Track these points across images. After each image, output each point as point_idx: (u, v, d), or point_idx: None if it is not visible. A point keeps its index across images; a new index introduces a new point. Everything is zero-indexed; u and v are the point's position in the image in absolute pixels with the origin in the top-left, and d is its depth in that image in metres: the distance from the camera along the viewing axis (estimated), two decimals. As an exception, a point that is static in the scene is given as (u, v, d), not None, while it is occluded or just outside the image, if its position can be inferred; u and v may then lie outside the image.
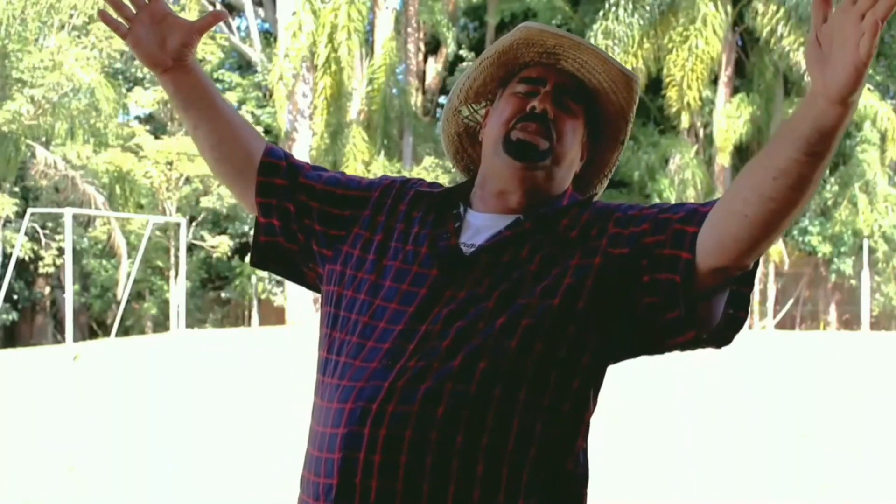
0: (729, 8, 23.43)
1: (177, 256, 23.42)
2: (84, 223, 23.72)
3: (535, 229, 1.71)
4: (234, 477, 7.29)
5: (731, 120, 23.48)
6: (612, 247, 1.65)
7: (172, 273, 24.15)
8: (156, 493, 6.85)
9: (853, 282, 24.21)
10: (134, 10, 1.82)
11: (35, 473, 7.35)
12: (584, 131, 1.80)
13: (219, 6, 24.87)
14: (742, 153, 25.16)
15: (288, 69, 23.27)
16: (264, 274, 25.84)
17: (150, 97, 23.86)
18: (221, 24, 23.04)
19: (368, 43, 25.96)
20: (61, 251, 22.47)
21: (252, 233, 1.94)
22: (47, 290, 27.09)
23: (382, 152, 24.41)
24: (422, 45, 27.41)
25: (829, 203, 23.70)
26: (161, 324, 25.69)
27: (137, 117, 27.98)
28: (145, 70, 25.60)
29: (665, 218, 1.65)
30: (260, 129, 23.47)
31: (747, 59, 25.44)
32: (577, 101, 1.78)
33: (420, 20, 26.36)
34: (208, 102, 1.87)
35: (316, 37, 23.15)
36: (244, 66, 28.89)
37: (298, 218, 1.85)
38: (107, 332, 23.54)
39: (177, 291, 22.87)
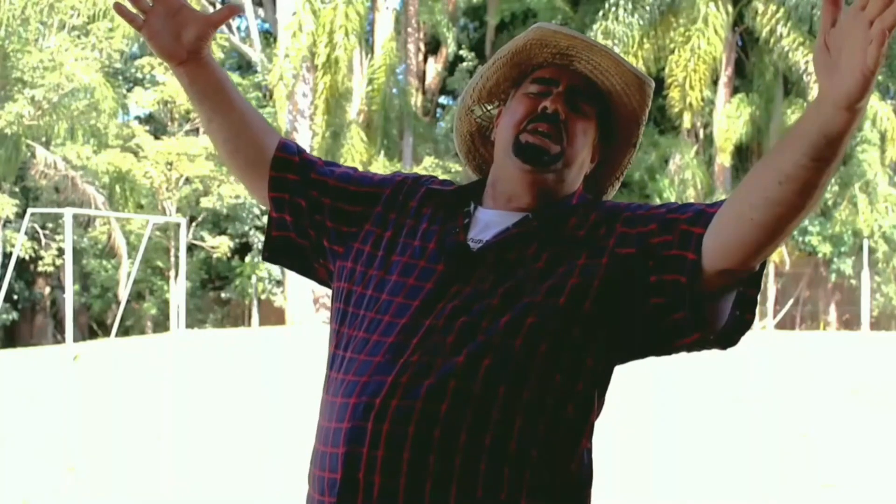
0: (730, 8, 23.43)
1: (177, 256, 23.41)
2: (84, 223, 23.71)
3: (543, 228, 1.71)
4: (235, 476, 7.29)
5: (731, 120, 23.48)
6: (619, 247, 1.65)
7: (172, 273, 24.14)
8: (156, 493, 6.85)
9: (853, 282, 24.20)
10: (150, 3, 1.82)
11: (35, 473, 7.34)
12: (595, 133, 1.80)
13: (219, 6, 24.87)
14: (742, 153, 25.16)
15: (288, 69, 23.27)
16: (264, 274, 25.84)
17: (150, 97, 23.85)
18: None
19: (368, 43, 25.96)
20: (61, 251, 22.48)
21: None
22: (47, 290, 27.08)
23: (382, 152, 24.41)
24: (422, 45, 27.40)
25: (829, 203, 23.69)
26: (161, 324, 25.68)
27: (137, 117, 27.97)
28: (145, 70, 25.67)
29: (673, 218, 1.64)
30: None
31: (747, 59, 25.43)
32: (589, 103, 1.78)
33: (420, 20, 26.35)
34: (222, 95, 1.87)
35: (316, 37, 23.15)
36: (244, 66, 28.88)
37: (310, 214, 1.85)
38: (107, 332, 23.53)
39: (177, 291, 22.84)
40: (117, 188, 23.40)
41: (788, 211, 1.47)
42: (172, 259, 24.16)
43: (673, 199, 22.31)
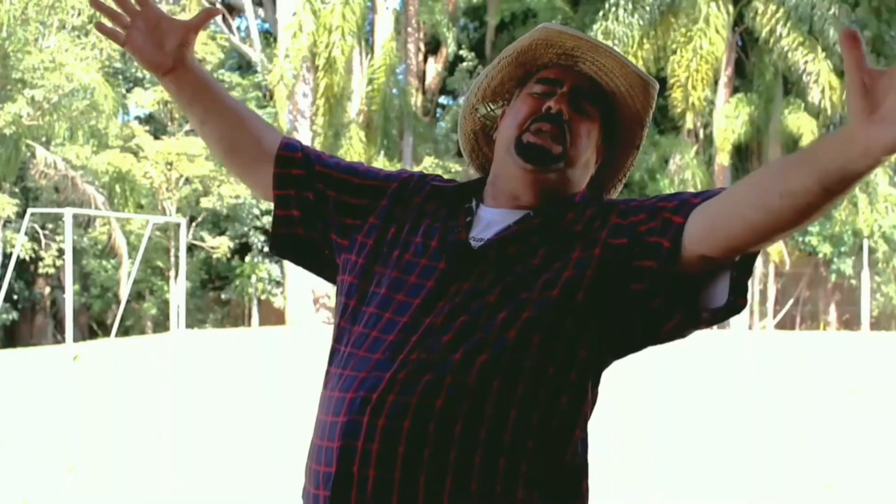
0: (730, 8, 23.43)
1: (177, 257, 23.41)
2: (84, 223, 23.71)
3: (544, 225, 1.72)
4: (234, 476, 7.29)
5: (730, 120, 23.49)
6: (611, 237, 1.66)
7: (172, 273, 24.14)
8: (156, 493, 6.85)
9: (853, 282, 24.20)
10: (129, 19, 1.85)
11: (35, 473, 7.35)
12: (599, 134, 1.80)
13: (219, 6, 24.87)
14: (742, 153, 25.16)
15: (288, 69, 23.27)
16: (264, 274, 25.85)
17: (150, 97, 23.85)
18: (221, 24, 22.81)
19: (368, 43, 25.96)
20: (61, 251, 22.48)
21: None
22: (47, 290, 27.08)
23: (382, 152, 24.41)
24: (422, 45, 27.39)
25: (830, 203, 23.69)
26: (161, 324, 25.68)
27: (137, 117, 27.98)
28: (145, 70, 25.68)
29: (661, 206, 1.66)
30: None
31: (747, 59, 25.44)
32: (593, 104, 1.79)
33: (420, 20, 26.35)
34: (212, 97, 1.89)
35: (316, 37, 23.14)
36: (244, 66, 28.88)
37: (316, 206, 1.86)
38: (107, 332, 23.53)
39: (177, 292, 22.85)
40: (117, 188, 23.40)
41: (781, 223, 1.48)
42: (172, 259, 24.16)
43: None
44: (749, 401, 10.87)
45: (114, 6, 1.85)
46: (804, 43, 22.45)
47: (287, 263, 15.22)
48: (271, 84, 24.27)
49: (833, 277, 24.68)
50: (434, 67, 28.63)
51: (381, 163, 23.58)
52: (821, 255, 24.24)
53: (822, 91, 22.42)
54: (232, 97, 1.95)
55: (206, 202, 23.89)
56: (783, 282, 25.87)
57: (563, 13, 25.53)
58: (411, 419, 1.57)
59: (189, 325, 22.78)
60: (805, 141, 22.72)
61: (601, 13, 23.07)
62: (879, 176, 23.01)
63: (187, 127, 24.26)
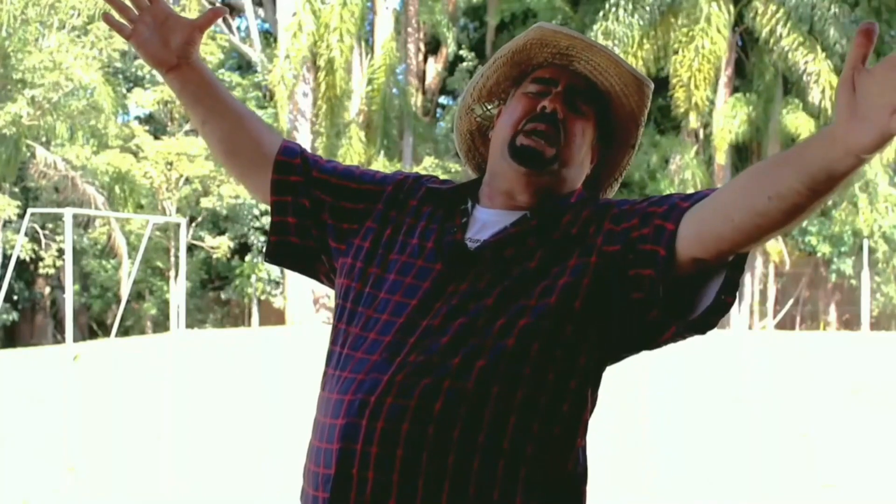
0: (731, 8, 23.44)
1: (177, 257, 23.41)
2: (84, 223, 23.71)
3: (541, 226, 1.71)
4: (234, 476, 7.29)
5: (727, 119, 23.49)
6: (606, 244, 1.66)
7: (172, 273, 24.14)
8: (156, 493, 6.85)
9: (853, 282, 24.20)
10: (136, 12, 1.85)
11: (35, 473, 7.34)
12: (594, 134, 1.80)
13: (219, 5, 24.82)
14: (742, 153, 25.15)
15: (288, 70, 23.27)
16: (264, 274, 25.85)
17: (150, 97, 23.85)
18: (221, 24, 22.76)
19: (368, 43, 25.96)
20: (61, 251, 22.47)
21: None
22: (47, 290, 27.08)
23: (382, 152, 24.41)
24: (422, 45, 27.39)
25: (829, 203, 23.68)
26: (161, 324, 25.69)
27: (137, 117, 27.98)
28: (145, 70, 25.65)
29: (651, 212, 1.65)
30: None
31: (747, 59, 25.44)
32: (588, 104, 1.79)
33: (420, 20, 26.35)
34: (215, 98, 1.90)
35: (317, 37, 23.15)
36: (244, 66, 28.88)
37: (313, 213, 1.86)
38: (107, 332, 23.53)
39: (177, 292, 22.85)
40: (117, 188, 23.40)
41: (770, 224, 1.48)
42: (172, 259, 24.16)
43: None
44: (749, 401, 10.87)
45: None
46: (804, 43, 22.45)
47: (287, 263, 15.14)
48: (271, 84, 24.27)
49: (833, 277, 24.68)
50: (434, 67, 28.63)
51: (381, 163, 23.58)
52: (821, 255, 24.24)
53: (823, 91, 22.43)
54: (235, 99, 1.95)
55: (205, 202, 23.89)
56: (783, 282, 25.87)
57: (562, 13, 25.54)
58: (410, 422, 1.56)
59: (189, 325, 22.78)
60: (804, 141, 22.72)
61: (601, 13, 23.07)
62: (879, 176, 23.01)
63: (187, 127, 24.26)
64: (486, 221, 1.75)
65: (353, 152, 23.31)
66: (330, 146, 23.62)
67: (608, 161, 1.87)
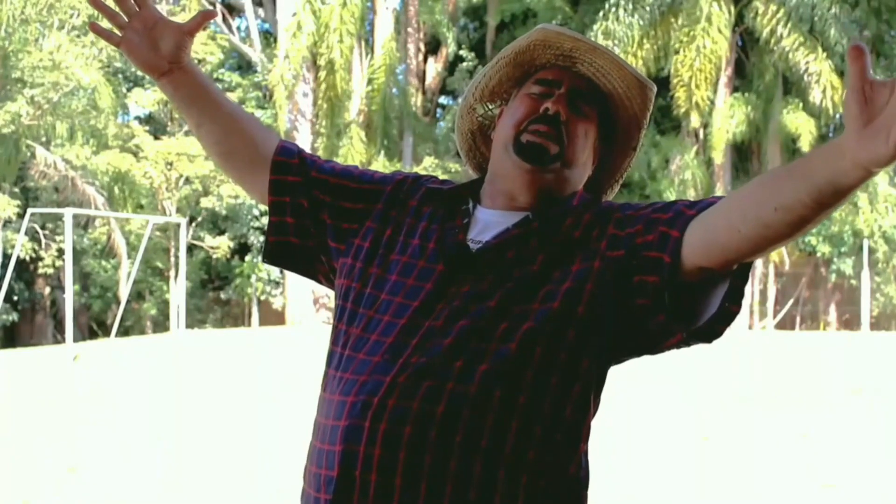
0: (731, 8, 23.45)
1: (177, 257, 23.41)
2: (84, 223, 23.73)
3: (543, 229, 1.71)
4: (234, 477, 7.29)
5: (725, 119, 23.51)
6: (610, 249, 1.65)
7: (172, 273, 24.15)
8: (156, 494, 6.85)
9: (853, 282, 24.22)
10: (125, 19, 1.84)
11: (35, 473, 7.34)
12: (596, 135, 1.80)
13: (219, 6, 24.86)
14: (742, 153, 25.16)
15: (288, 70, 23.27)
16: (264, 274, 25.86)
17: (149, 97, 23.87)
18: (221, 24, 22.72)
19: (368, 43, 25.97)
20: (61, 251, 22.47)
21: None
22: (47, 290, 27.09)
23: (382, 152, 24.42)
24: (422, 45, 27.41)
25: (830, 203, 23.69)
26: (161, 324, 25.70)
27: (137, 117, 28.00)
28: (140, 71, 25.66)
29: (655, 218, 1.65)
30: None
31: (747, 59, 25.45)
32: (590, 105, 1.79)
33: (420, 20, 26.37)
34: (208, 100, 1.89)
35: (317, 37, 23.16)
36: (244, 66, 28.90)
37: (312, 213, 1.85)
38: (107, 333, 23.55)
39: (177, 292, 22.87)
40: (117, 188, 23.42)
41: (776, 236, 1.48)
42: (172, 259, 24.18)
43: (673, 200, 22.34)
44: (749, 400, 10.87)
45: (113, 6, 1.84)
46: (805, 43, 22.46)
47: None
48: (271, 84, 24.28)
49: (833, 277, 24.69)
50: (434, 67, 28.64)
51: (381, 163, 23.59)
52: (821, 255, 24.25)
53: (824, 91, 22.44)
54: (229, 100, 1.94)
55: (205, 202, 23.91)
56: (783, 282, 25.88)
57: (562, 13, 25.55)
58: (412, 425, 1.56)
59: (189, 325, 22.80)
60: (804, 141, 22.74)
61: (601, 13, 23.09)
62: (879, 176, 22.99)
63: (187, 127, 24.27)
64: (487, 222, 1.75)
65: (353, 152, 23.31)
66: (330, 146, 23.63)
67: (609, 163, 1.87)
